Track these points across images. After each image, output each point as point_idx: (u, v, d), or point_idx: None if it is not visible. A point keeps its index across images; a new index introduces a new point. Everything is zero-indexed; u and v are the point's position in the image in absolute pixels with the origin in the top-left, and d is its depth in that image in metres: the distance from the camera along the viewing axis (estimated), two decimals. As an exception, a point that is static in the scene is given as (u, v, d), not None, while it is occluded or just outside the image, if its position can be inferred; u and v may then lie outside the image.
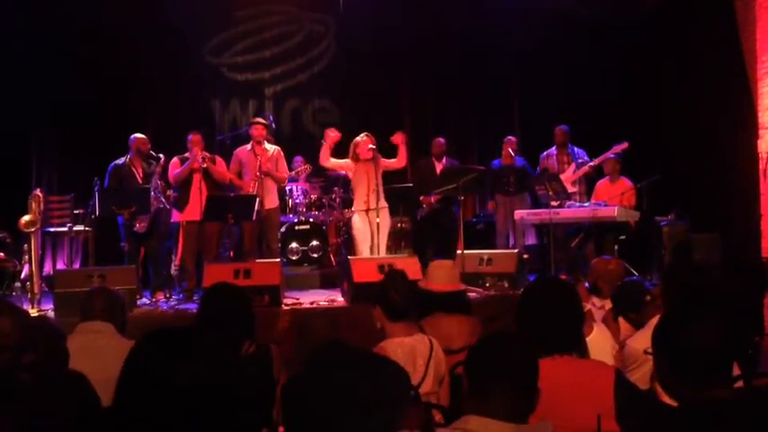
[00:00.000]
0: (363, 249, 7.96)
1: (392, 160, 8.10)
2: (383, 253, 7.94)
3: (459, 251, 7.95)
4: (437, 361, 3.74)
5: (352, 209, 8.25)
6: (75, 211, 8.76)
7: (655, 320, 3.79)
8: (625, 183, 8.87)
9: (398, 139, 8.07)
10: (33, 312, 6.92)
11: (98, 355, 3.26)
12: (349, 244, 9.44)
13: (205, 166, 7.94)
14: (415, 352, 3.65)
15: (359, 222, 8.00)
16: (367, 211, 7.91)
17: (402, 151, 8.13)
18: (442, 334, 3.94)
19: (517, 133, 11.04)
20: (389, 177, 8.30)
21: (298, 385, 2.75)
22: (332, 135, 7.99)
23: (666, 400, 3.61)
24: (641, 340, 3.79)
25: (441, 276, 4.44)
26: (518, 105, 11.46)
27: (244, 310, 3.57)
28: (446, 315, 4.18)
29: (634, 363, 3.74)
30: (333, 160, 8.08)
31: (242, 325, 3.52)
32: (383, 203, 7.97)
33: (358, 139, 8.01)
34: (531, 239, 10.27)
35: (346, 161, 8.08)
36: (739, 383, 3.53)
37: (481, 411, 1.97)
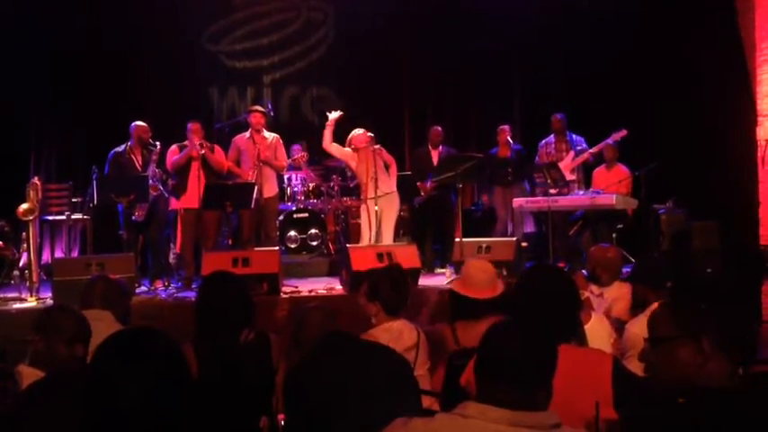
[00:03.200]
0: (363, 238, 7.98)
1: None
2: (389, 240, 7.93)
3: (457, 239, 7.95)
4: (425, 348, 3.77)
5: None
6: (73, 200, 8.76)
7: (655, 306, 3.79)
8: (622, 170, 8.88)
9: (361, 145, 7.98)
10: (32, 301, 6.93)
11: (95, 342, 3.24)
12: (347, 232, 9.46)
13: (203, 152, 7.92)
14: (402, 336, 3.68)
15: (362, 211, 8.04)
16: (366, 199, 7.93)
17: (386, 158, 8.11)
18: (475, 337, 3.76)
19: (516, 121, 11.04)
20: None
21: (300, 374, 2.76)
22: (333, 116, 7.98)
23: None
24: (640, 325, 3.79)
25: (484, 282, 3.90)
26: (518, 93, 11.44)
27: (242, 298, 3.57)
28: (481, 321, 3.69)
29: (633, 348, 3.73)
30: (335, 146, 8.06)
31: (240, 313, 3.52)
32: (387, 189, 7.93)
33: (352, 133, 7.99)
34: (529, 227, 10.27)
35: (348, 150, 8.06)
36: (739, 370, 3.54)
37: (482, 398, 1.98)
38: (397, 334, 3.69)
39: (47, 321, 3.13)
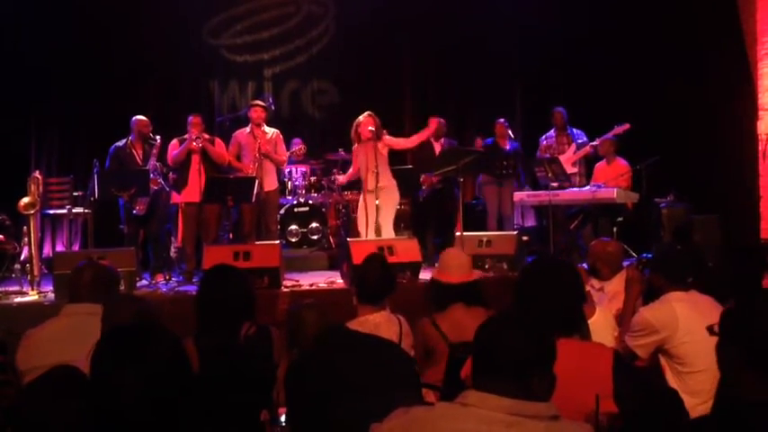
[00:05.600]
0: (360, 230, 7.99)
1: (400, 139, 8.17)
2: (390, 233, 7.92)
3: (458, 233, 7.95)
4: (408, 339, 3.79)
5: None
6: (74, 193, 8.75)
7: (671, 296, 3.80)
8: (622, 164, 8.88)
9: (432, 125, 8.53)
10: (33, 294, 6.94)
11: (86, 340, 2.89)
12: (348, 226, 9.46)
13: (201, 146, 7.91)
14: (378, 330, 3.68)
15: (360, 203, 8.06)
16: (365, 193, 7.94)
17: (422, 135, 8.39)
18: (456, 327, 3.86)
19: (517, 115, 11.04)
20: (390, 159, 8.30)
21: (302, 368, 2.77)
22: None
23: (673, 383, 3.64)
24: (653, 312, 3.79)
25: (455, 267, 4.18)
26: (519, 86, 11.43)
27: (243, 292, 3.57)
28: (462, 308, 4.00)
29: (641, 331, 3.77)
30: (347, 175, 8.41)
31: (242, 306, 3.52)
32: (386, 183, 7.90)
33: (360, 118, 8.01)
34: (530, 221, 10.27)
35: (354, 147, 8.12)
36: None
37: (482, 387, 1.99)
38: (372, 328, 3.68)
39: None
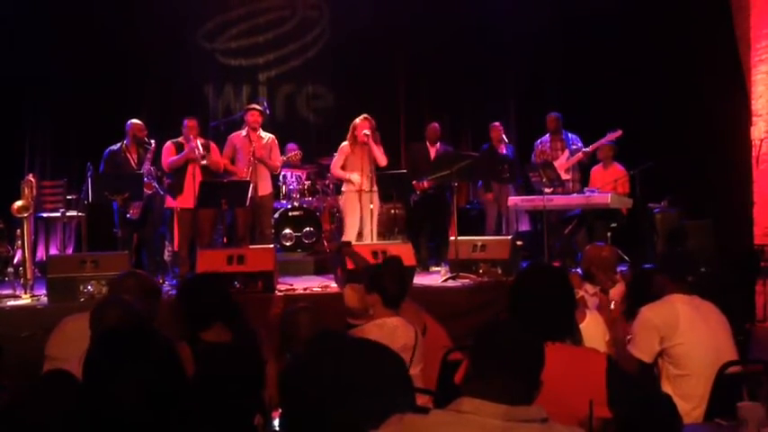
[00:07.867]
0: (351, 232, 7.98)
1: (382, 157, 8.12)
2: (375, 238, 7.97)
3: (451, 237, 7.95)
4: (421, 348, 3.80)
5: (343, 189, 8.30)
6: (68, 197, 8.74)
7: (674, 297, 3.80)
8: (618, 169, 8.90)
9: (362, 138, 7.98)
10: (26, 298, 6.92)
11: None
12: (342, 230, 9.45)
13: (205, 163, 7.88)
14: (395, 333, 3.68)
15: (349, 204, 8.04)
16: (360, 193, 7.94)
17: (374, 151, 8.05)
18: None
19: (512, 120, 11.05)
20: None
21: (296, 372, 2.76)
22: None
23: (666, 387, 3.64)
24: (656, 311, 3.78)
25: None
26: (514, 91, 11.44)
27: (218, 298, 3.57)
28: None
29: (642, 331, 3.77)
30: (339, 170, 8.20)
31: (218, 312, 3.51)
32: (374, 187, 8.01)
33: (357, 121, 8.04)
34: (524, 226, 10.27)
35: (344, 146, 8.11)
36: (735, 368, 3.56)
37: (476, 394, 1.99)
38: (390, 330, 3.69)
39: None
